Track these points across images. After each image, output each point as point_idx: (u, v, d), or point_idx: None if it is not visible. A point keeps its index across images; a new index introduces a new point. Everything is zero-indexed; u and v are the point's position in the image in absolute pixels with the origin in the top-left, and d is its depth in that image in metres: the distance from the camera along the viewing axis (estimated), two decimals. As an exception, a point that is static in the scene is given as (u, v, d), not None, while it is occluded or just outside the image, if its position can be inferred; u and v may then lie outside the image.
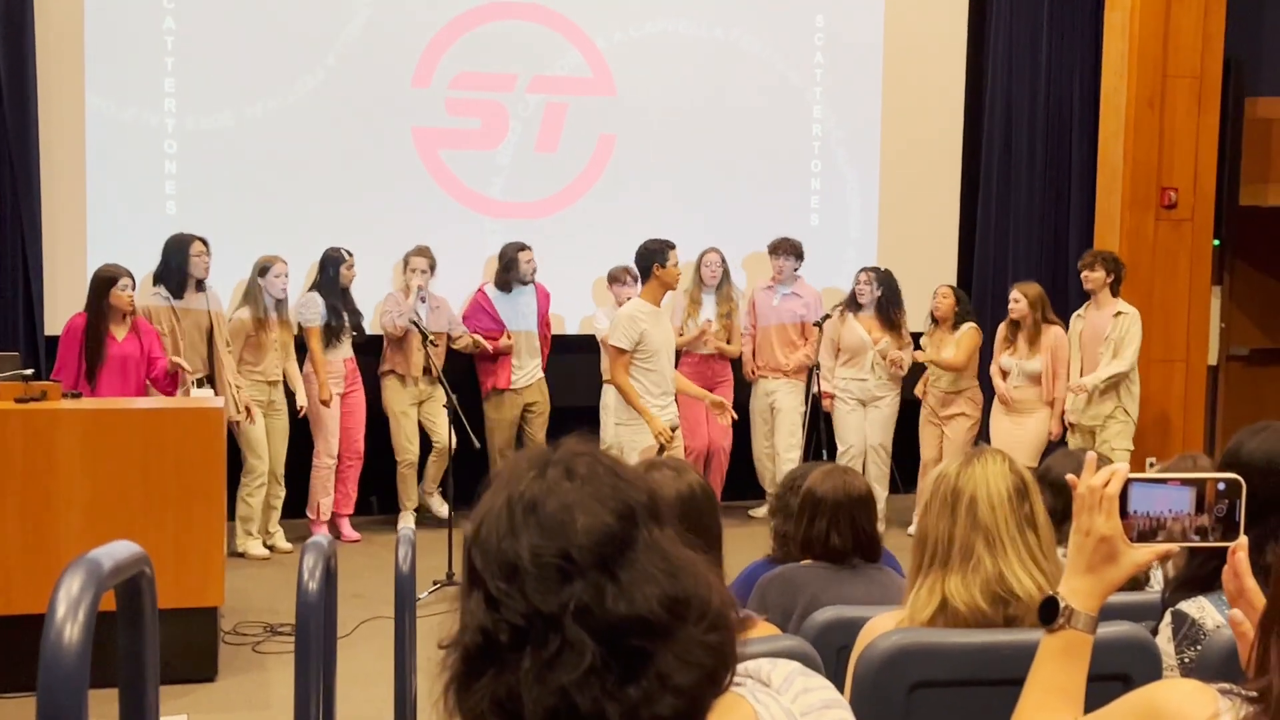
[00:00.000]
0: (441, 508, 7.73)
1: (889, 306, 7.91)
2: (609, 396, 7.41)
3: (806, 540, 3.31)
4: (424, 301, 7.59)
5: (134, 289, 6.40)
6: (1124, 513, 1.69)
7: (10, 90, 7.26)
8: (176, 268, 6.87)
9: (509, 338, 7.78)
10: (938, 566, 2.33)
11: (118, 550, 1.39)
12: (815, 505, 3.29)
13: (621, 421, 6.45)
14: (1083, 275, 7.52)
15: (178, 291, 6.84)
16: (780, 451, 8.05)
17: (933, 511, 2.36)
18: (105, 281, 6.30)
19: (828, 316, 8.03)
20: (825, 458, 7.60)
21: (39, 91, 7.36)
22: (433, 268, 7.66)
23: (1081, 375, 7.47)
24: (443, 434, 7.67)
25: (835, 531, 3.26)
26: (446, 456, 7.66)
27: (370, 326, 7.73)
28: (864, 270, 8.01)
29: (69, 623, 1.24)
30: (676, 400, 6.54)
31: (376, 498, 8.00)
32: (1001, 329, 7.63)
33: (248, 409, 6.97)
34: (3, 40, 7.24)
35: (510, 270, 7.77)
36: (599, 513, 1.25)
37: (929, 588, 2.33)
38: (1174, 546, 1.71)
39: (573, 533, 1.24)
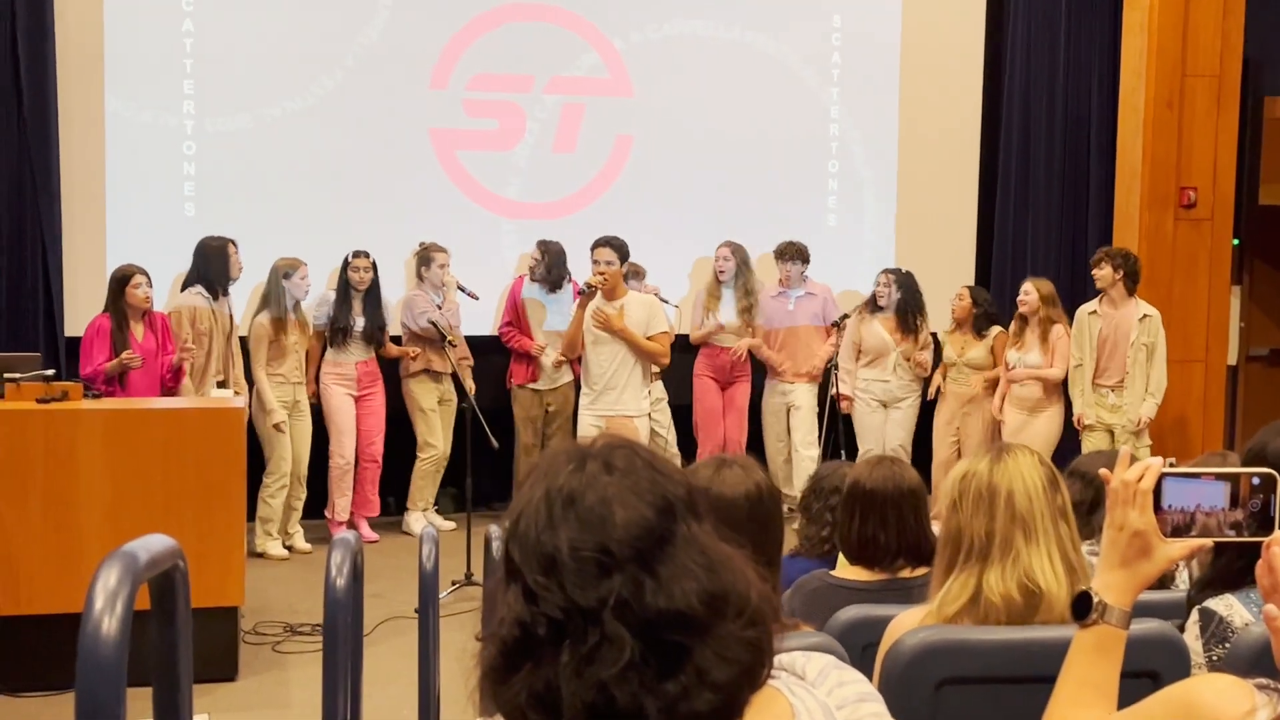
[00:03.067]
0: (441, 522, 7.78)
1: (907, 309, 7.90)
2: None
3: (850, 539, 3.12)
4: (472, 297, 7.63)
5: (149, 286, 6.43)
6: (1157, 508, 1.68)
7: (31, 93, 7.29)
8: (219, 270, 6.92)
9: (544, 348, 7.80)
10: (975, 561, 2.31)
11: (153, 543, 1.39)
12: (862, 501, 3.08)
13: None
14: (1092, 273, 7.51)
15: (215, 293, 6.88)
16: (799, 449, 8.05)
17: (966, 509, 2.33)
18: (119, 282, 6.39)
19: (846, 316, 8.03)
20: (844, 458, 7.59)
21: (59, 94, 7.39)
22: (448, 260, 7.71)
23: (1096, 372, 7.44)
24: (445, 440, 7.71)
25: (882, 530, 3.06)
26: (443, 469, 7.73)
27: (392, 326, 7.74)
28: (884, 271, 8.00)
29: (107, 614, 1.24)
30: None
31: (394, 499, 8.01)
32: (1012, 325, 7.63)
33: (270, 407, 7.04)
34: (24, 44, 7.27)
35: (547, 268, 7.78)
36: (638, 506, 1.25)
37: (962, 583, 2.31)
38: (1208, 541, 1.71)
39: (611, 527, 1.23)
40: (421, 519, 7.83)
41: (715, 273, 8.09)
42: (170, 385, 6.55)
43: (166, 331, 6.58)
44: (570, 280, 7.85)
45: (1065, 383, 7.51)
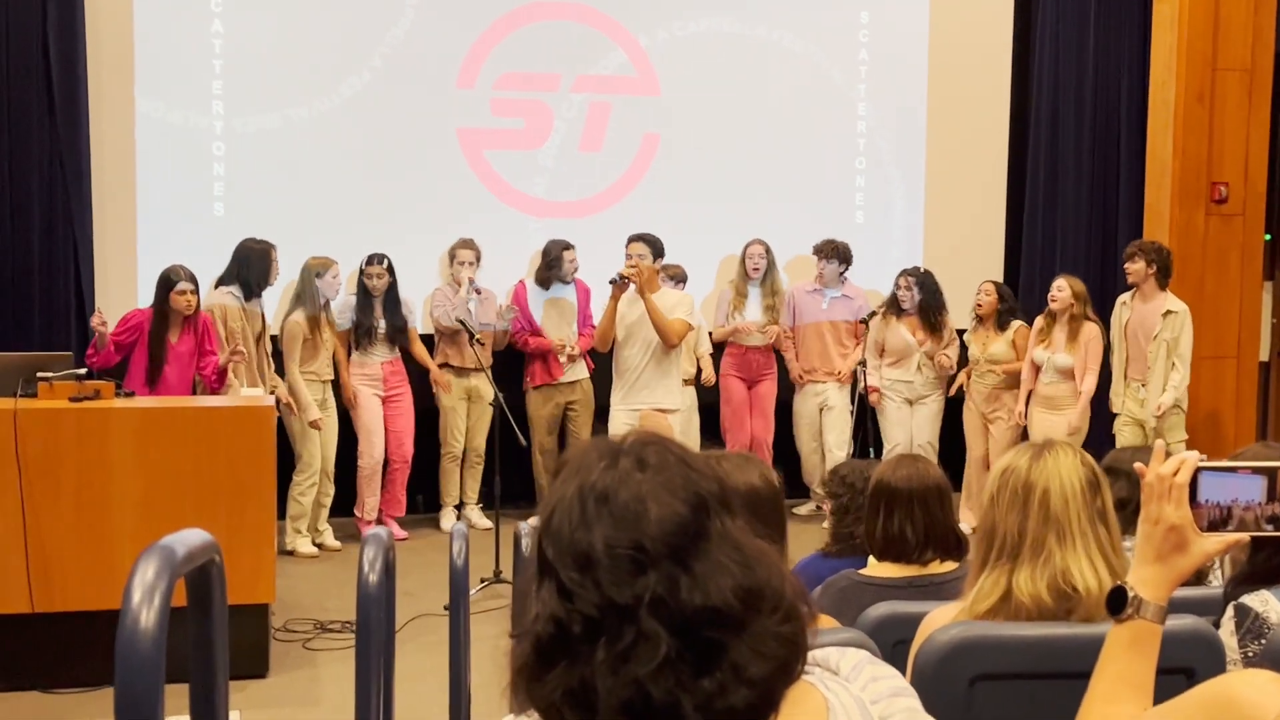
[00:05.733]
0: (482, 520, 7.78)
1: (929, 309, 7.87)
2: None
3: (876, 536, 3.13)
4: (478, 294, 7.66)
5: (194, 292, 6.45)
6: (1194, 501, 1.67)
7: (61, 94, 7.35)
8: (259, 274, 6.98)
9: (564, 346, 7.81)
10: (1006, 559, 2.28)
11: (189, 538, 1.40)
12: (888, 497, 3.10)
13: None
14: (1125, 267, 7.46)
15: (248, 295, 6.93)
16: (833, 449, 8.04)
17: (1002, 505, 2.30)
18: (163, 285, 6.38)
19: (874, 314, 8.01)
20: (873, 455, 7.57)
21: (89, 95, 7.45)
22: (479, 259, 7.71)
23: (1127, 367, 7.42)
24: (480, 439, 7.72)
25: (909, 525, 3.07)
26: (482, 466, 7.74)
27: (420, 324, 7.77)
28: (903, 274, 7.96)
29: (145, 608, 1.25)
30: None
31: (423, 496, 8.04)
32: (1039, 321, 7.57)
33: (289, 406, 7.05)
34: (55, 45, 7.32)
35: (553, 268, 7.82)
36: (671, 503, 1.25)
37: (994, 580, 2.29)
38: (1244, 536, 1.70)
39: (646, 523, 1.23)
40: (452, 516, 7.86)
41: (747, 270, 8.07)
42: (214, 387, 6.54)
43: (208, 334, 6.56)
44: (574, 279, 7.90)
45: (1085, 380, 7.45)
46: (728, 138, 8.51)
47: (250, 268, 6.98)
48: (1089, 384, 7.38)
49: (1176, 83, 8.22)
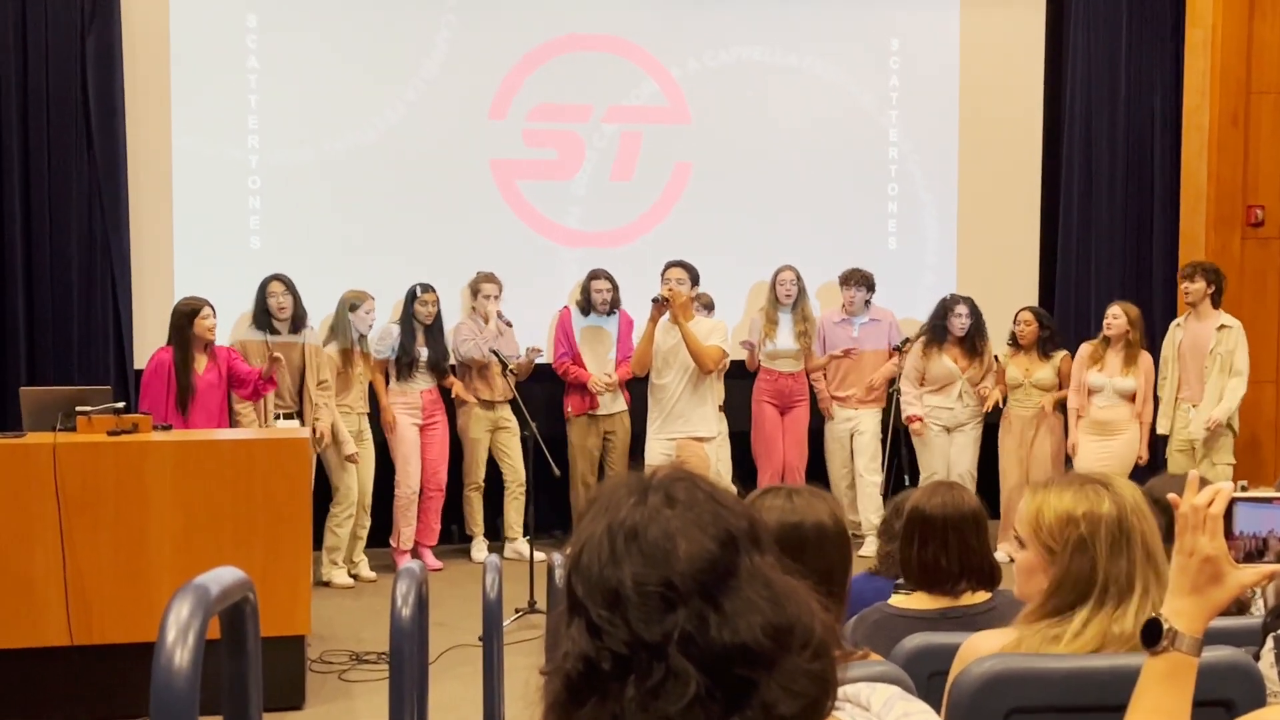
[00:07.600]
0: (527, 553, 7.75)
1: (974, 337, 7.84)
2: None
3: (910, 564, 3.09)
4: (510, 326, 7.69)
5: (214, 318, 6.52)
6: (1229, 533, 1.66)
7: (100, 129, 7.45)
8: (259, 307, 7.12)
9: (608, 380, 7.82)
10: (1110, 604, 2.22)
11: (223, 576, 1.41)
12: (922, 525, 3.06)
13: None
14: (1182, 287, 7.44)
15: (271, 329, 7.01)
16: (863, 474, 8.00)
17: (1101, 551, 2.22)
18: (187, 314, 6.44)
19: (907, 340, 7.97)
20: (908, 483, 7.53)
21: (128, 131, 7.55)
22: (501, 291, 7.74)
23: (1179, 387, 7.37)
24: (518, 467, 7.72)
25: (944, 554, 3.02)
26: (523, 494, 7.72)
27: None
28: (958, 301, 7.89)
29: (179, 647, 1.26)
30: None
31: (457, 526, 8.05)
32: (1089, 347, 7.49)
33: (323, 435, 7.05)
34: (93, 81, 7.43)
35: (584, 295, 7.87)
36: (701, 540, 1.24)
37: (1096, 623, 2.22)
38: (1280, 567, 1.68)
39: (675, 560, 1.23)
40: (483, 546, 7.86)
41: (778, 296, 8.05)
42: (263, 390, 6.63)
43: (231, 365, 6.61)
44: (608, 308, 7.91)
45: (1146, 408, 7.42)
46: (759, 166, 8.52)
47: (257, 302, 7.14)
48: (1149, 413, 7.39)
49: (1210, 106, 8.18)
